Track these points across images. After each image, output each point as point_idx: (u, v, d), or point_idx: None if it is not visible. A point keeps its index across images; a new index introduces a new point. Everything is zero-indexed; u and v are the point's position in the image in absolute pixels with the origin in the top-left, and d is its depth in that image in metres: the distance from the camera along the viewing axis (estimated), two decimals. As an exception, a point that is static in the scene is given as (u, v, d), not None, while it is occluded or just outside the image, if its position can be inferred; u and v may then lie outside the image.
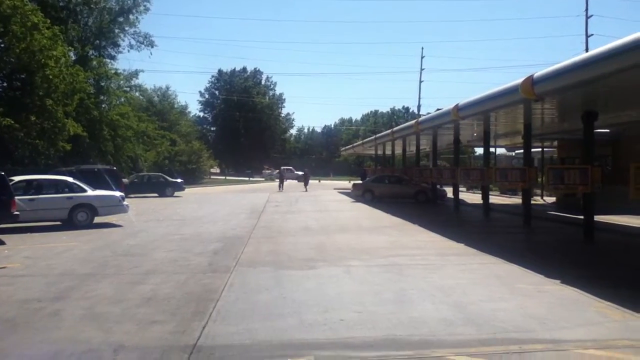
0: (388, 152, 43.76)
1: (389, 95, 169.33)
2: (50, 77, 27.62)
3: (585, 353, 5.49)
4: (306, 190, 39.73)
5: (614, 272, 10.18)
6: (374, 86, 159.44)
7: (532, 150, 24.42)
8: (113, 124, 37.82)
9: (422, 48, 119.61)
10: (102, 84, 39.83)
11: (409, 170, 33.89)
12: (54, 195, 16.58)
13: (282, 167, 53.96)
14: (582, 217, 15.14)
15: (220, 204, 27.70)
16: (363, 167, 61.50)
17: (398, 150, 39.67)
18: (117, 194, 18.38)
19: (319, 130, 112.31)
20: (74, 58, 37.01)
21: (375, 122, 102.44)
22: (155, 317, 6.77)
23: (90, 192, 17.15)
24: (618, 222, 17.75)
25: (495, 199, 28.88)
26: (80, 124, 31.51)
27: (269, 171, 73.58)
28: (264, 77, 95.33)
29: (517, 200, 26.96)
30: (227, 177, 72.18)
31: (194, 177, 52.76)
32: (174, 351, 5.55)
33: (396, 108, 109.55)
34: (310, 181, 47.76)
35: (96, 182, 20.02)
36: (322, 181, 62.16)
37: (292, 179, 63.68)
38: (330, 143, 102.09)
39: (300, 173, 66.61)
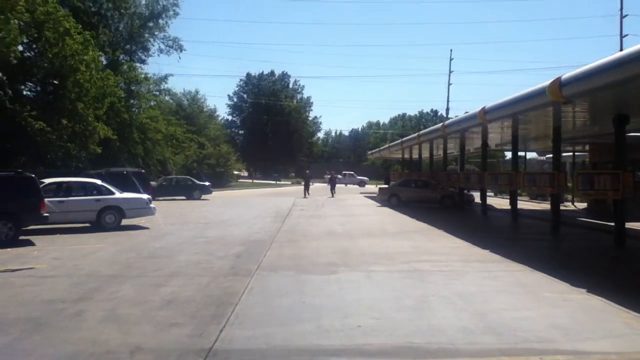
0: (415, 156, 43.42)
1: (417, 98, 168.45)
2: (82, 81, 28.23)
3: (609, 365, 5.32)
4: (332, 196, 36.54)
5: (645, 281, 9.87)
6: (402, 89, 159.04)
7: (564, 154, 23.96)
8: (143, 127, 38.45)
9: (451, 50, 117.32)
10: (133, 88, 40.59)
11: (435, 175, 33.58)
12: (83, 197, 16.89)
13: (307, 171, 44.17)
14: (612, 223, 14.76)
15: (246, 207, 27.87)
16: (388, 171, 60.76)
17: (425, 154, 39.34)
18: (145, 196, 18.64)
19: (346, 133, 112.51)
20: (105, 62, 37.79)
21: (403, 125, 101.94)
22: (174, 319, 6.83)
23: (118, 194, 17.44)
24: (651, 229, 17.21)
25: (524, 204, 28.40)
26: (110, 128, 32.14)
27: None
28: (291, 80, 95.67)
29: (546, 206, 26.41)
30: (255, 181, 72.68)
31: (222, 180, 53.26)
32: (189, 354, 5.58)
33: (424, 111, 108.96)
34: (338, 185, 44.28)
35: (124, 184, 20.35)
36: (348, 185, 62.02)
37: (354, 183, 63.07)
38: (358, 147, 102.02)
39: (361, 178, 64.61)
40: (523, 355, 5.58)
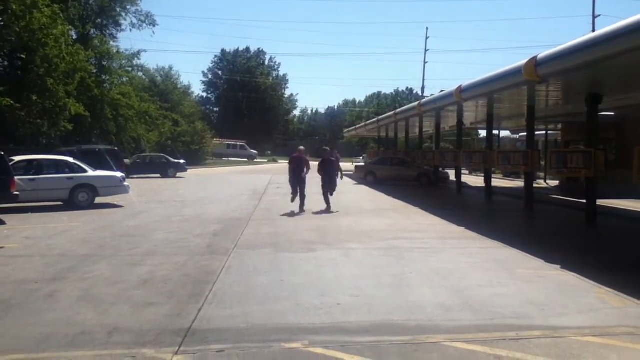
0: (391, 134, 43.52)
1: (393, 76, 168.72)
2: (51, 56, 27.44)
3: (583, 340, 5.43)
4: (329, 208, 16.35)
5: (615, 257, 10.11)
6: (378, 67, 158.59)
7: (536, 133, 24.26)
8: (115, 103, 37.66)
9: (427, 28, 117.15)
10: (104, 63, 39.63)
11: (411, 153, 33.75)
12: (55, 175, 16.52)
13: (300, 147, 18.16)
14: (584, 201, 15.05)
15: (222, 185, 27.65)
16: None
17: (401, 133, 39.48)
18: (118, 174, 18.33)
19: (322, 111, 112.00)
20: (75, 37, 36.75)
21: (379, 103, 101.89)
22: (151, 299, 6.74)
23: (91, 172, 17.11)
24: (621, 207, 17.66)
25: (497, 182, 28.79)
26: (81, 104, 31.39)
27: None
28: (267, 57, 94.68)
29: (519, 183, 26.79)
30: (230, 159, 72.03)
31: (197, 158, 52.68)
32: (168, 334, 5.51)
33: (400, 89, 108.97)
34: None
35: (97, 162, 20.05)
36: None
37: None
38: (334, 124, 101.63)
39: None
40: (499, 331, 5.66)
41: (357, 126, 57.61)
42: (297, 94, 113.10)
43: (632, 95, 17.36)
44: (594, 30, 32.94)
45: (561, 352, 5.13)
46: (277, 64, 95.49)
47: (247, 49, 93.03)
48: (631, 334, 5.65)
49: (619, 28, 10.17)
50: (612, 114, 22.11)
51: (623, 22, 10.10)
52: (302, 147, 17.55)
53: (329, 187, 16.79)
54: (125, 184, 17.82)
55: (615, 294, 7.08)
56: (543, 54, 13.21)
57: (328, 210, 16.15)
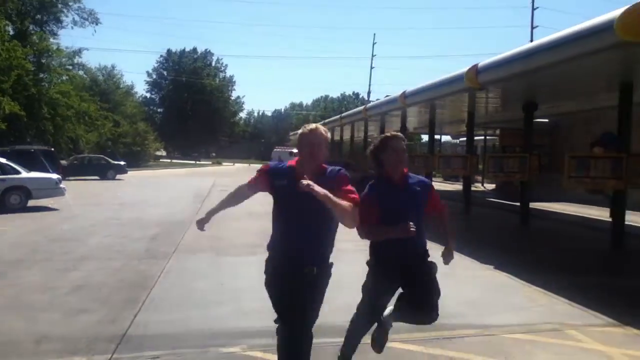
0: (337, 137, 43.81)
1: (340, 81, 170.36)
2: (-16, 52, 26.20)
3: (512, 337, 5.66)
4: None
5: (545, 257, 10.57)
6: (325, 71, 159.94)
7: (476, 138, 25.07)
8: (53, 102, 36.28)
9: (374, 34, 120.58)
10: (43, 60, 38.13)
11: (356, 156, 34.12)
12: (-15, 177, 15.77)
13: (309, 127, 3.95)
14: (519, 203, 15.66)
15: (164, 188, 27.11)
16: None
17: (347, 136, 39.83)
18: (54, 176, 17.70)
19: (269, 114, 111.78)
20: (12, 33, 35.20)
21: (326, 107, 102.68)
22: (85, 305, 6.53)
23: (25, 174, 16.46)
24: (553, 210, 18.46)
25: (438, 185, 29.49)
26: (17, 102, 30.06)
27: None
28: (214, 58, 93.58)
29: (459, 187, 27.55)
30: (173, 161, 70.76)
31: (139, 159, 51.43)
32: (100, 341, 5.35)
33: (347, 94, 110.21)
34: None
35: (32, 163, 19.27)
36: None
37: None
38: (280, 128, 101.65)
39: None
40: (435, 331, 5.77)
41: (304, 129, 57.65)
42: (244, 96, 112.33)
43: (565, 103, 18.20)
44: (532, 41, 34.32)
45: (492, 349, 5.32)
46: (224, 65, 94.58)
47: (194, 50, 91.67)
48: (556, 329, 5.93)
49: (552, 40, 10.64)
50: (547, 120, 23.10)
51: (555, 34, 10.58)
52: (314, 126, 3.99)
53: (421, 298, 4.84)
54: (61, 186, 17.21)
55: (543, 292, 7.40)
56: (484, 62, 13.65)
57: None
